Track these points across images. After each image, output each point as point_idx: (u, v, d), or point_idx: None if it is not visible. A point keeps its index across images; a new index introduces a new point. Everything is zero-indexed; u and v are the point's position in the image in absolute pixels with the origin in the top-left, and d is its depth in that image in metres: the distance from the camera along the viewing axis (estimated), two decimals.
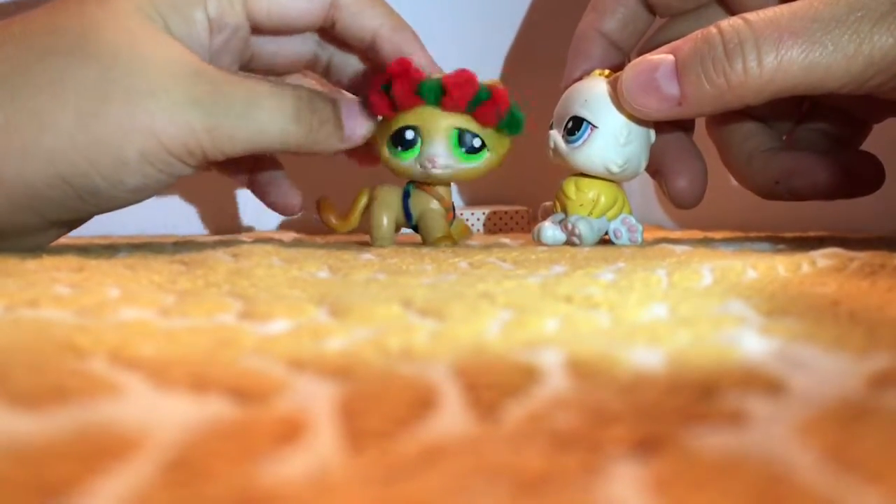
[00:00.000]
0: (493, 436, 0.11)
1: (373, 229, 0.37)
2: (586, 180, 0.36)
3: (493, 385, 0.12)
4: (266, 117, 0.30)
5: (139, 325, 0.17)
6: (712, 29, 0.30)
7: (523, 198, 0.59)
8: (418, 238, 0.38)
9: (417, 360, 0.14)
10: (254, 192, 0.41)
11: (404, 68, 0.34)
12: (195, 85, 0.29)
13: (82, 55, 0.28)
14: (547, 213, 0.37)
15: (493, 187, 0.61)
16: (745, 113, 0.37)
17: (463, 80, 0.34)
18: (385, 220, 0.37)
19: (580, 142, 0.34)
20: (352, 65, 0.38)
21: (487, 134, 0.35)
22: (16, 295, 0.19)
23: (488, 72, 0.37)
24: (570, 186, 0.36)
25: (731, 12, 0.35)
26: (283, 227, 0.59)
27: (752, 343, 0.15)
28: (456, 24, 0.60)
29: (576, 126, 0.34)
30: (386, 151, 0.36)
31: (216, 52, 0.33)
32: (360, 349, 0.15)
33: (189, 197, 0.58)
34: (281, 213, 0.40)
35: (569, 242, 0.35)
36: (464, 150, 0.35)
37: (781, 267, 0.24)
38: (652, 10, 0.37)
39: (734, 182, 0.39)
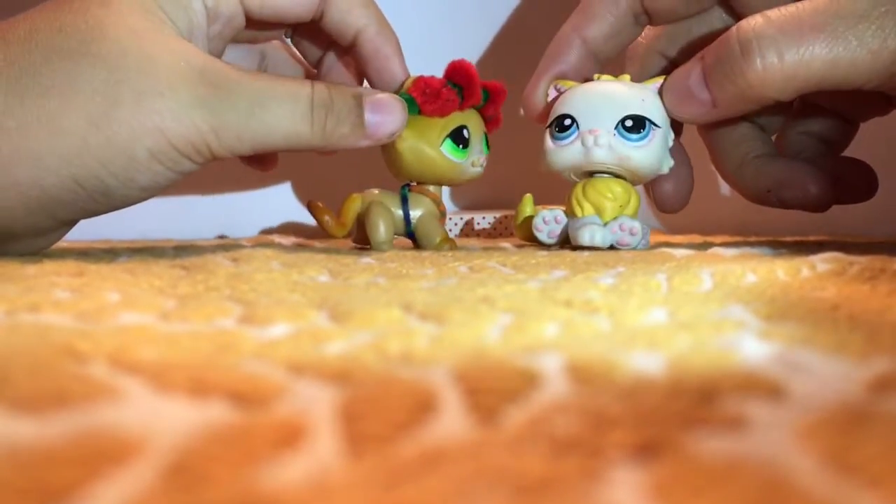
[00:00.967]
0: (494, 440, 0.11)
1: (372, 234, 0.37)
2: (615, 181, 0.35)
3: (493, 389, 0.12)
4: (273, 119, 0.30)
5: (139, 330, 0.17)
6: (732, 30, 0.30)
7: (504, 204, 0.59)
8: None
9: (418, 364, 0.14)
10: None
11: (473, 69, 0.36)
12: (201, 84, 0.29)
13: (90, 56, 0.28)
14: (557, 220, 0.37)
15: (477, 192, 0.61)
16: (735, 119, 0.37)
17: (502, 89, 0.38)
18: (383, 224, 0.37)
19: (646, 140, 0.34)
20: (322, 54, 0.38)
21: None
22: (16, 300, 0.19)
23: (483, 72, 0.38)
24: (608, 186, 0.35)
25: (735, 15, 0.35)
26: (265, 231, 0.59)
27: (752, 347, 0.15)
28: (450, 24, 0.60)
29: (638, 125, 0.34)
30: (441, 149, 0.36)
31: (210, 39, 0.33)
32: (360, 353, 0.15)
33: (189, 200, 0.58)
34: (256, 168, 0.40)
35: (618, 244, 0.34)
36: (488, 150, 0.38)
37: (781, 271, 0.24)
38: (645, 20, 0.37)
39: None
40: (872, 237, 0.40)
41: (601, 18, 0.37)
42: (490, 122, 0.38)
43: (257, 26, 0.36)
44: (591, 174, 0.35)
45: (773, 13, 0.29)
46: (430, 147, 0.36)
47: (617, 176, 0.35)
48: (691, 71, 0.32)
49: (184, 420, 0.11)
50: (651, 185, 0.37)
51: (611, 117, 0.34)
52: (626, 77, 0.36)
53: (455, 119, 0.36)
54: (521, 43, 0.62)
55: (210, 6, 0.32)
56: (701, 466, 0.10)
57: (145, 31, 0.29)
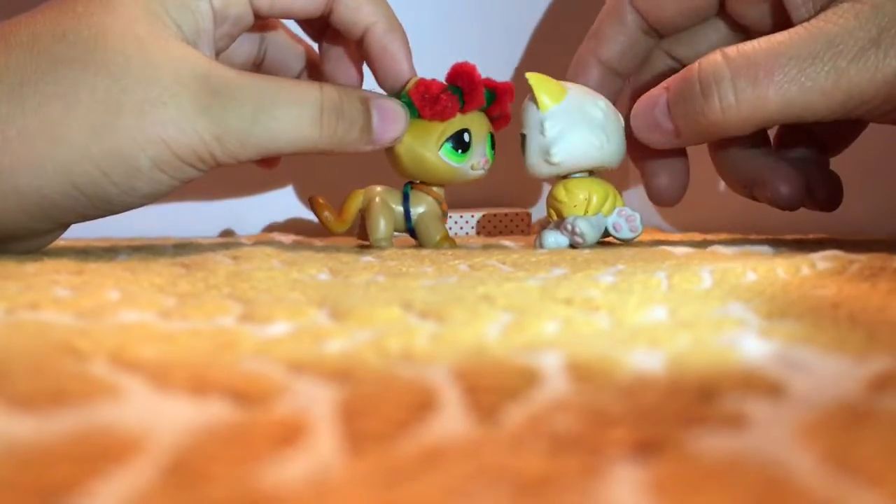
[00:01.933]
0: (493, 438, 0.11)
1: (372, 232, 0.37)
2: (574, 181, 0.36)
3: (493, 388, 0.12)
4: (278, 125, 0.30)
5: (139, 328, 0.17)
6: (693, 66, 0.31)
7: (514, 201, 0.59)
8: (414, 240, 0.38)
9: (417, 362, 0.14)
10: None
11: (476, 73, 0.35)
12: (205, 92, 0.29)
13: (93, 65, 0.27)
14: (544, 225, 0.38)
15: (483, 191, 0.61)
16: None
17: (508, 88, 0.37)
18: (384, 222, 0.37)
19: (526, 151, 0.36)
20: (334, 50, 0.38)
21: None
22: (16, 298, 0.19)
23: (491, 72, 0.38)
24: (560, 190, 0.36)
25: (732, 25, 0.35)
26: (269, 228, 0.59)
27: (752, 346, 0.15)
28: (457, 26, 0.60)
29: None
30: (439, 153, 0.36)
31: (217, 40, 0.33)
32: (360, 351, 0.15)
33: (190, 199, 0.58)
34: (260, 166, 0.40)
35: (572, 245, 0.35)
36: (493, 151, 0.38)
37: (781, 269, 0.24)
38: (653, 34, 0.37)
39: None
40: (872, 235, 0.40)
41: (612, 40, 0.37)
42: (497, 120, 0.38)
43: (264, 23, 0.36)
44: (564, 177, 0.37)
45: (731, 51, 0.30)
46: (427, 151, 0.35)
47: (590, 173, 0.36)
48: (657, 101, 0.33)
49: (184, 418, 0.11)
50: (645, 180, 0.38)
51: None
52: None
53: (456, 123, 0.36)
54: (531, 42, 0.62)
55: (218, 8, 0.31)
56: (701, 464, 0.10)
57: (149, 38, 0.29)
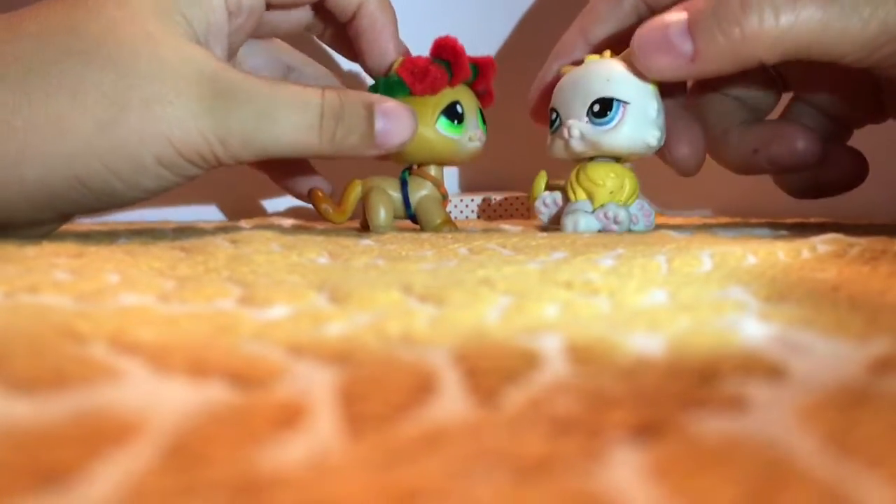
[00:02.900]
0: (493, 421, 0.11)
1: (372, 219, 0.37)
2: (609, 166, 0.35)
3: (492, 370, 0.12)
4: (280, 129, 0.30)
5: (139, 311, 0.17)
6: None
7: (511, 185, 0.59)
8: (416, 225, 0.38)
9: (417, 345, 0.14)
10: (274, 179, 0.41)
11: (459, 45, 0.36)
12: (209, 92, 0.29)
13: (101, 59, 0.27)
14: (556, 203, 0.37)
15: (484, 174, 0.61)
16: (724, 92, 0.37)
17: (491, 62, 0.38)
18: (383, 209, 0.37)
19: (615, 122, 0.33)
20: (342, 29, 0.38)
21: None
22: (15, 281, 0.19)
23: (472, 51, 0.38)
24: (598, 172, 0.35)
25: None
26: (279, 214, 0.59)
27: (752, 328, 0.15)
28: (453, 10, 0.60)
29: (605, 107, 0.33)
30: (436, 127, 0.36)
31: (230, 34, 0.33)
32: (359, 334, 0.15)
33: (191, 186, 0.58)
34: (298, 198, 0.41)
35: (604, 230, 0.34)
36: (485, 126, 0.38)
37: (781, 252, 0.24)
38: (648, 15, 0.37)
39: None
40: (873, 219, 0.40)
41: (604, 20, 0.37)
42: (483, 97, 0.38)
43: (278, 8, 0.36)
44: (590, 158, 0.35)
45: None
46: (425, 126, 0.35)
47: (616, 160, 0.35)
48: (672, 21, 0.31)
49: (183, 400, 0.11)
50: (667, 149, 0.36)
51: (581, 105, 0.34)
52: (607, 54, 0.35)
53: (447, 96, 0.36)
54: (515, 30, 0.62)
55: (232, 1, 0.31)
56: (701, 447, 0.10)
57: (159, 35, 0.28)
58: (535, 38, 0.61)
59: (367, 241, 0.30)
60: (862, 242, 0.25)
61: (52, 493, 0.08)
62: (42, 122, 0.27)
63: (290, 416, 0.11)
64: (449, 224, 0.37)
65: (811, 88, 0.36)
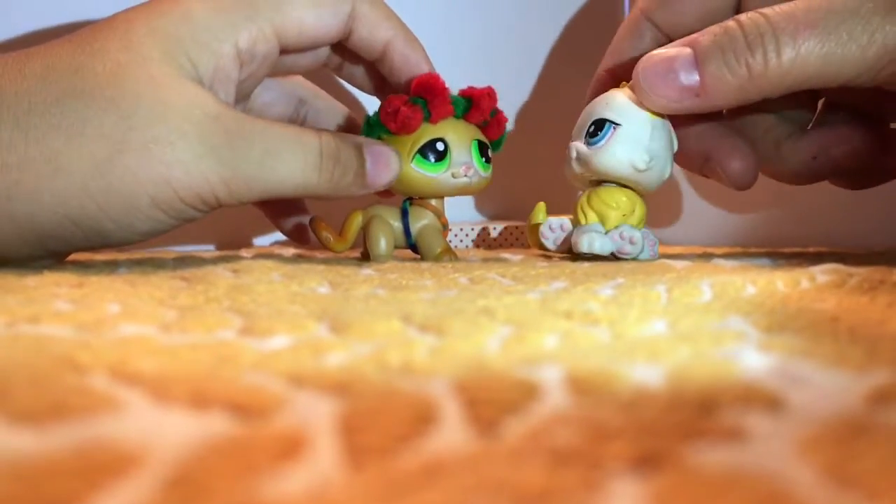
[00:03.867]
0: (494, 452, 0.11)
1: (372, 248, 0.37)
2: (621, 190, 0.35)
3: (493, 401, 0.12)
4: (285, 169, 0.30)
5: (139, 341, 0.17)
6: (731, 22, 0.30)
7: (513, 214, 0.59)
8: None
9: (417, 375, 0.14)
10: (269, 216, 0.41)
11: (439, 82, 0.35)
12: (213, 133, 0.29)
13: (103, 100, 0.27)
14: (563, 228, 0.37)
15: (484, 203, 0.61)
16: (764, 110, 0.37)
17: (487, 93, 0.37)
18: (384, 238, 0.37)
19: (603, 141, 0.34)
20: (361, 67, 0.39)
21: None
22: (16, 311, 0.19)
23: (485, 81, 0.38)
24: (611, 195, 0.35)
25: None
26: (279, 243, 0.59)
27: (752, 359, 0.15)
28: (460, 38, 0.61)
29: (598, 128, 0.34)
30: (414, 165, 0.36)
31: (243, 80, 0.33)
32: (360, 365, 0.15)
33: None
34: (296, 240, 0.41)
35: (614, 254, 0.35)
36: (483, 160, 0.37)
37: (781, 282, 0.24)
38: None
39: (734, 196, 0.38)
40: (872, 248, 0.40)
41: (629, 56, 0.37)
42: (488, 127, 0.38)
43: (305, 86, 0.37)
44: (598, 183, 0.36)
45: (769, 11, 0.30)
46: (404, 164, 0.36)
47: (624, 186, 0.35)
48: (678, 55, 0.31)
49: (184, 432, 0.11)
50: (720, 166, 0.36)
51: (583, 129, 0.35)
52: (624, 85, 0.36)
53: (426, 133, 0.36)
54: (520, 60, 0.62)
55: (244, 48, 0.31)
56: (700, 478, 0.10)
57: (162, 78, 0.29)
58: (533, 72, 0.61)
59: (367, 271, 0.30)
60: (861, 272, 0.25)
61: None
62: (37, 159, 0.27)
63: (290, 448, 0.11)
64: (449, 253, 0.37)
65: (842, 94, 0.36)
